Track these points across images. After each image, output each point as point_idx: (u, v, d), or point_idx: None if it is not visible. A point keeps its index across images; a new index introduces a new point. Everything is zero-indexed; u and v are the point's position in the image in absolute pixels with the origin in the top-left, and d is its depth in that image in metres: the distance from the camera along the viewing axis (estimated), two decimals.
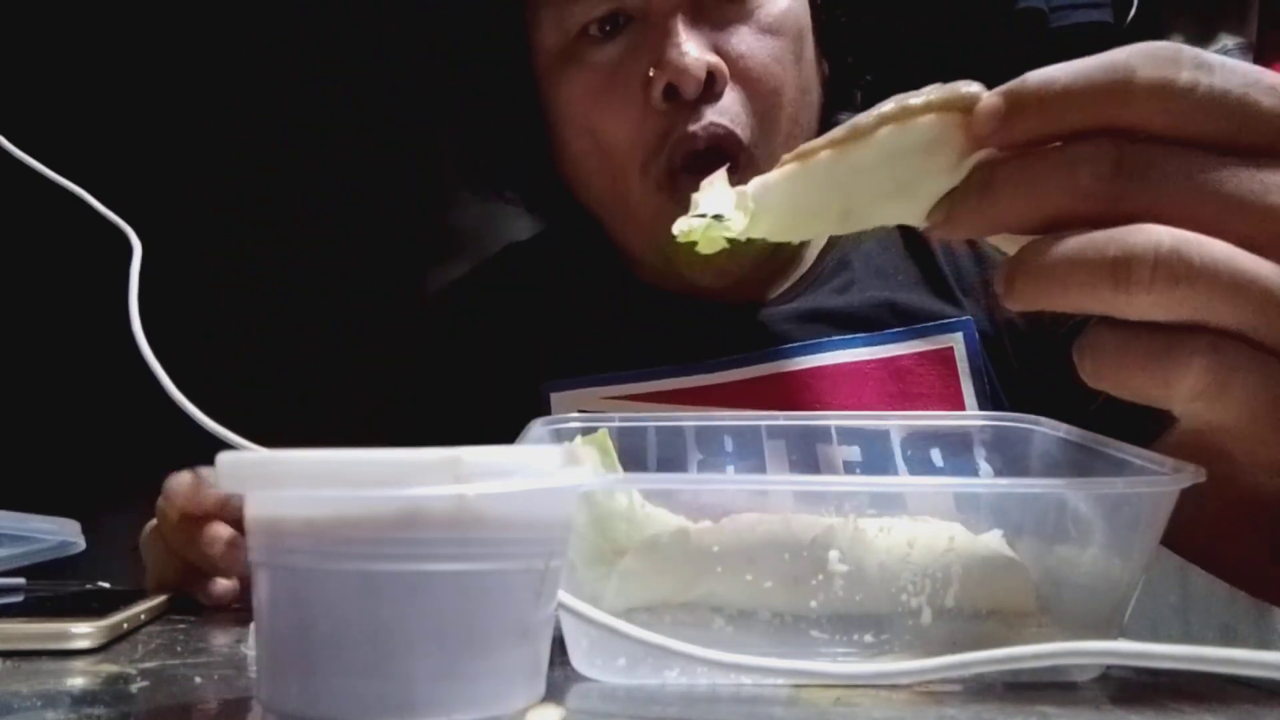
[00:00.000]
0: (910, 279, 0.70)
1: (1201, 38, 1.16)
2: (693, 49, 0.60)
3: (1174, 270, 0.29)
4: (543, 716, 0.29)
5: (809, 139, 0.35)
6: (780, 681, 0.33)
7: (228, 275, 1.20)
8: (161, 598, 0.48)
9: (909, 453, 0.49)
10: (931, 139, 0.33)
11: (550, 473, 0.27)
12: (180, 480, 0.51)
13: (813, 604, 0.35)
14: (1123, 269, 0.29)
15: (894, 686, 0.33)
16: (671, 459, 0.47)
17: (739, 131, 0.61)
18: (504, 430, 0.42)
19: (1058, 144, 0.31)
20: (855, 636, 0.35)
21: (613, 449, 0.41)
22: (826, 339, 0.67)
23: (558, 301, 0.74)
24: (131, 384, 0.43)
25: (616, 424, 0.45)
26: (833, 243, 0.72)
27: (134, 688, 0.33)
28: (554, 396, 0.67)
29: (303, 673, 0.27)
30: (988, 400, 0.64)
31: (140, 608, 0.44)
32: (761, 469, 0.48)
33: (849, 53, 0.70)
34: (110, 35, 1.17)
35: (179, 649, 0.39)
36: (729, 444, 0.48)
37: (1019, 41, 1.15)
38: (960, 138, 0.33)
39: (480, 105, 0.72)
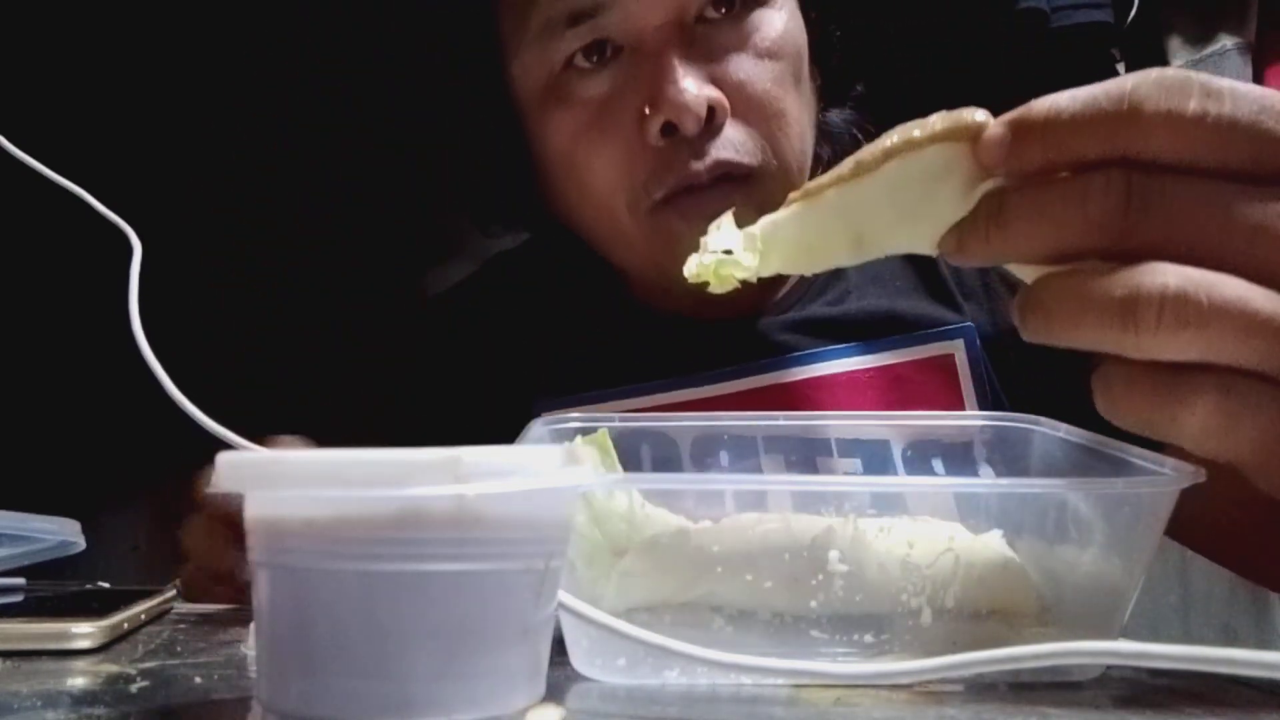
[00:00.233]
0: (908, 284, 0.68)
1: (1201, 38, 1.16)
2: (691, 85, 0.57)
3: (1181, 313, 0.29)
4: (543, 716, 0.29)
5: (810, 153, 0.35)
6: (780, 681, 0.33)
7: (228, 275, 1.20)
8: (161, 598, 0.48)
9: (910, 466, 0.48)
10: (938, 169, 0.33)
11: (550, 473, 0.27)
12: (196, 538, 0.52)
13: (813, 604, 0.35)
14: (1129, 311, 0.29)
15: (894, 686, 0.33)
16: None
17: (745, 160, 0.59)
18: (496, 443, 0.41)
19: (1066, 174, 0.31)
20: (855, 636, 0.35)
21: (612, 449, 0.41)
22: (823, 349, 0.65)
23: (549, 315, 0.73)
24: (131, 384, 0.43)
25: (616, 425, 0.45)
26: None
27: (134, 688, 0.33)
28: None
29: (302, 673, 0.27)
30: (989, 407, 0.63)
31: (140, 608, 0.44)
32: (761, 504, 0.48)
33: (843, 61, 0.68)
34: (110, 35, 1.16)
35: (179, 649, 0.39)
36: (724, 459, 0.48)
37: (1020, 41, 1.15)
38: (968, 166, 0.32)
39: (461, 142, 0.70)
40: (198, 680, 0.34)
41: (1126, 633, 0.35)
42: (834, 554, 0.34)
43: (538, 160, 0.66)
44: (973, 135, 0.32)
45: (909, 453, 0.48)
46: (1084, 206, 0.30)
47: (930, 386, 0.63)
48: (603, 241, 0.66)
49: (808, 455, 0.48)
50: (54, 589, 0.51)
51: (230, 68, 1.19)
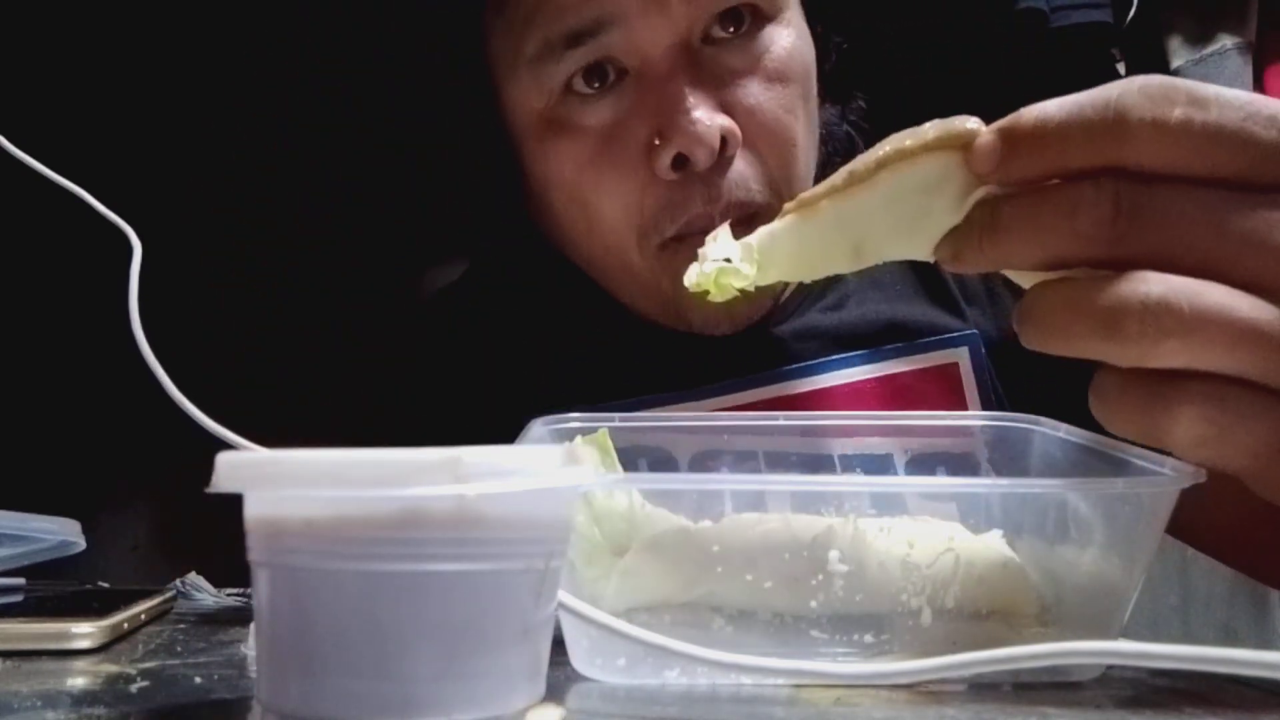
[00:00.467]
0: (909, 288, 0.67)
1: (1201, 38, 1.16)
2: (704, 114, 0.54)
3: (1162, 322, 0.29)
4: (543, 716, 0.29)
5: (814, 173, 0.35)
6: (780, 681, 0.33)
7: (228, 275, 1.20)
8: (161, 598, 0.48)
9: (913, 474, 0.48)
10: (932, 177, 0.33)
11: (550, 473, 0.27)
12: None
13: (813, 604, 0.35)
14: (1113, 321, 0.29)
15: (894, 686, 0.33)
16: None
17: (757, 197, 0.57)
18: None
19: (1059, 181, 0.31)
20: (855, 636, 0.35)
21: (612, 449, 0.41)
22: (823, 360, 0.63)
23: (546, 325, 0.70)
24: (131, 384, 0.43)
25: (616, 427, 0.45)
26: None
27: (134, 688, 0.33)
28: None
29: (303, 673, 0.27)
30: None
31: (140, 608, 0.44)
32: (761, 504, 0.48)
33: (845, 69, 0.67)
34: (110, 35, 1.16)
35: (179, 649, 0.39)
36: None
37: (1019, 42, 1.15)
38: (962, 174, 0.32)
39: (448, 162, 0.68)
40: (198, 680, 0.34)
41: (1126, 633, 0.35)
42: (834, 554, 0.34)
43: (534, 188, 0.63)
44: (965, 143, 0.32)
45: (912, 470, 0.48)
46: (1073, 217, 0.30)
47: (934, 396, 0.62)
48: (605, 273, 0.64)
49: (811, 471, 0.48)
50: (54, 589, 0.51)
51: (230, 68, 1.19)
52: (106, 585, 0.55)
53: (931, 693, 0.33)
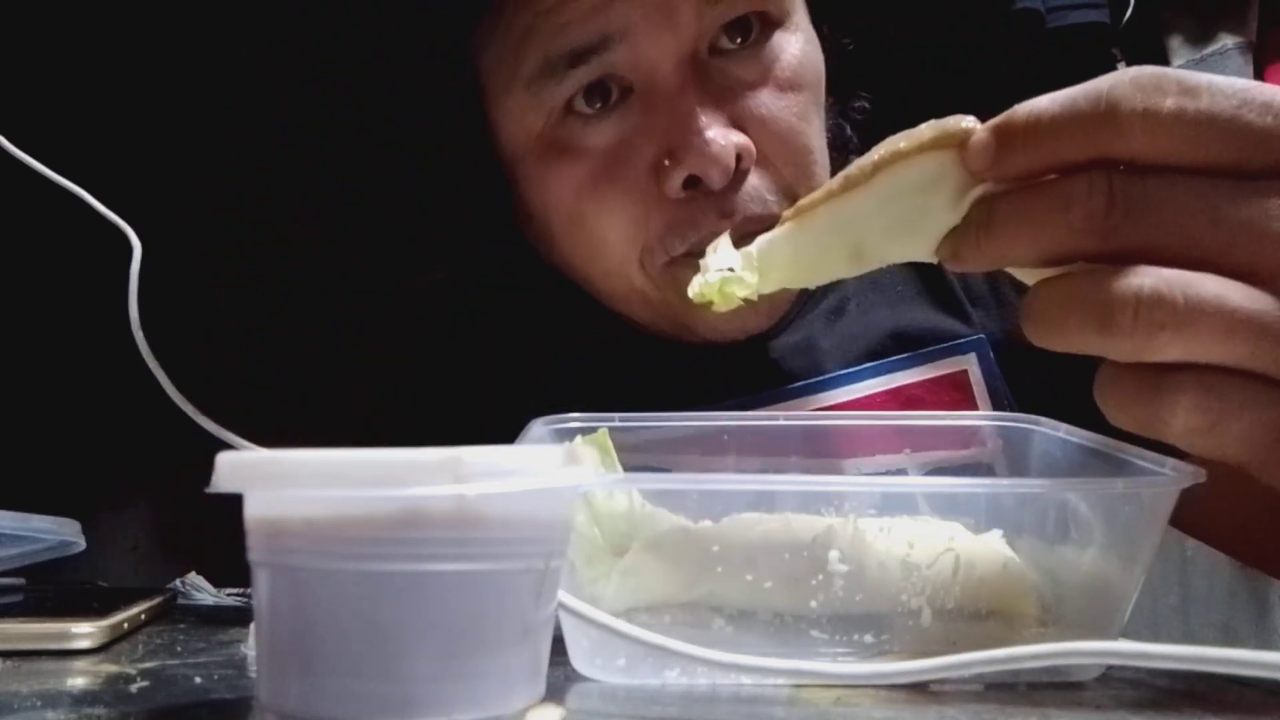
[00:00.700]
0: (912, 292, 0.65)
1: (1201, 37, 1.16)
2: (717, 133, 0.52)
3: (1155, 315, 0.29)
4: (543, 716, 0.29)
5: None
6: (780, 681, 0.33)
7: (228, 275, 1.20)
8: (161, 598, 0.48)
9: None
10: (929, 178, 0.33)
11: (550, 473, 0.27)
12: None
13: (813, 604, 0.35)
14: (1106, 315, 0.29)
15: (894, 686, 0.33)
16: None
17: (773, 209, 0.54)
18: None
19: (1054, 176, 0.31)
20: (855, 636, 0.35)
21: (612, 449, 0.41)
22: (832, 376, 0.60)
23: (544, 336, 0.68)
24: (131, 384, 0.43)
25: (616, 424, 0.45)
26: None
27: (134, 688, 0.33)
28: None
29: (303, 673, 0.27)
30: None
31: (140, 608, 0.44)
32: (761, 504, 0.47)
33: (849, 71, 0.65)
34: (110, 35, 1.16)
35: (179, 649, 0.39)
36: None
37: (1016, 42, 1.15)
38: (958, 173, 0.33)
39: (438, 181, 0.66)
40: (198, 680, 0.34)
41: (1126, 633, 0.35)
42: (834, 554, 0.34)
43: (531, 211, 0.61)
44: (961, 142, 0.32)
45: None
46: (1067, 211, 0.30)
47: (945, 406, 0.60)
48: (607, 293, 0.61)
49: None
50: (54, 589, 0.51)
51: (230, 68, 1.19)
52: (106, 585, 0.55)
53: (931, 693, 0.33)
